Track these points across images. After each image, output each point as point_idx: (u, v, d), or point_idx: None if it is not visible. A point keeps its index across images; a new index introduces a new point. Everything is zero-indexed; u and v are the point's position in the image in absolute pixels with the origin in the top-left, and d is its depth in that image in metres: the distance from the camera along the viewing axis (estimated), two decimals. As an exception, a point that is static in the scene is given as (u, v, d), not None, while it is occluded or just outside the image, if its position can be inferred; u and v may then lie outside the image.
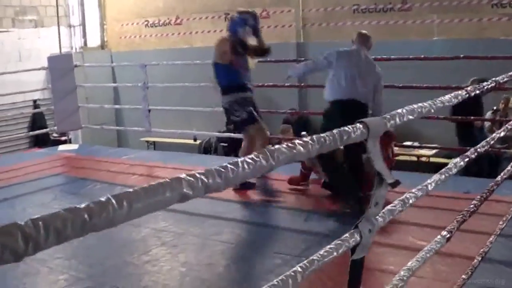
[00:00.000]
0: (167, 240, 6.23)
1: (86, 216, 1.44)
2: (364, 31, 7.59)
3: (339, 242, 2.76)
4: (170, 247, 6.07)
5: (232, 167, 1.86)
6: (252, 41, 7.76)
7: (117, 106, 15.92)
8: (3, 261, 1.30)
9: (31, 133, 15.62)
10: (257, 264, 5.76)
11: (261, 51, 7.97)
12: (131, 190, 1.62)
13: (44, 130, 14.34)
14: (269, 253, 5.83)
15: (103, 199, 1.51)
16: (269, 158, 2.03)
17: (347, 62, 7.01)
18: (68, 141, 14.10)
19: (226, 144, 15.17)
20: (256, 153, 2.04)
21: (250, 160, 1.96)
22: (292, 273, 2.44)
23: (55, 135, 15.49)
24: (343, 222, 6.17)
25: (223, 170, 1.82)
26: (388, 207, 3.20)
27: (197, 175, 1.73)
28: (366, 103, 6.96)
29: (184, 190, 1.69)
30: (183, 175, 1.71)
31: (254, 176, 2.10)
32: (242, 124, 7.78)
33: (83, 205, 1.45)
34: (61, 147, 12.18)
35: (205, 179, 1.75)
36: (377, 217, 2.98)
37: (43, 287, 5.51)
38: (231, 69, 7.57)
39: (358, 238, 2.84)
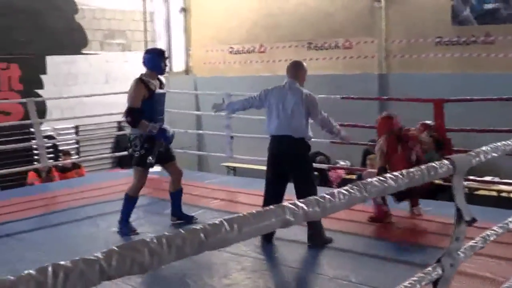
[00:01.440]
0: (247, 265, 6.34)
1: (202, 236, 1.60)
2: (294, 61, 7.51)
3: (422, 275, 2.85)
4: (250, 272, 6.18)
5: (330, 197, 1.99)
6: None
7: (201, 132, 16.12)
8: (132, 273, 1.46)
9: (115, 154, 15.96)
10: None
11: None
12: (241, 214, 1.76)
13: (127, 152, 14.63)
14: (347, 282, 5.88)
15: (217, 221, 1.66)
16: (362, 191, 2.16)
17: (273, 99, 7.00)
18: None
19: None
20: (350, 185, 2.16)
21: (345, 192, 2.08)
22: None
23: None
24: (424, 254, 6.19)
25: (321, 200, 1.95)
26: (470, 243, 3.26)
27: (299, 203, 1.87)
28: (299, 137, 6.87)
29: (287, 216, 1.82)
30: (286, 203, 1.84)
31: (349, 206, 2.22)
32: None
33: (200, 226, 1.60)
34: (145, 169, 12.38)
35: (306, 208, 1.88)
36: (459, 252, 3.05)
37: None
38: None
39: (440, 272, 2.92)
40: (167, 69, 18.95)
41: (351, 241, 6.97)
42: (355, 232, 7.25)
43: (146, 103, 7.24)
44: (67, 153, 14.35)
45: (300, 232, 7.04)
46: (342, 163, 14.85)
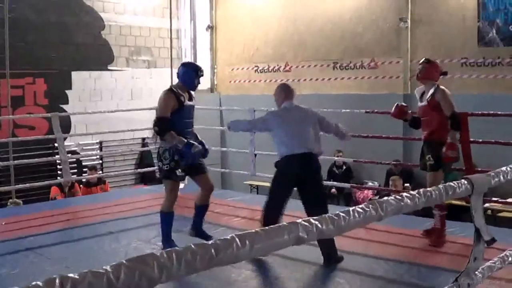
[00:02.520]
0: (267, 283, 6.32)
1: (213, 251, 1.58)
2: (285, 84, 7.63)
3: (440, 294, 2.82)
4: (271, 290, 6.17)
5: (344, 215, 1.97)
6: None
7: (224, 149, 16.13)
8: (140, 287, 1.45)
9: (138, 170, 16.04)
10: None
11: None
12: (253, 231, 1.74)
13: (151, 168, 14.69)
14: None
15: (228, 237, 1.64)
16: (378, 209, 2.14)
17: (285, 120, 7.04)
18: (174, 180, 14.40)
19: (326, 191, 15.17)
20: (366, 203, 2.14)
21: (360, 210, 2.06)
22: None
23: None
24: (444, 276, 6.14)
25: (335, 217, 1.93)
26: (488, 263, 3.23)
27: (312, 221, 1.85)
28: (316, 154, 6.94)
29: (300, 234, 1.80)
30: (299, 220, 1.82)
31: (365, 224, 2.20)
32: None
33: (211, 242, 1.59)
34: (168, 186, 12.40)
35: (319, 225, 1.86)
36: (476, 272, 3.02)
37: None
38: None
39: (458, 292, 2.89)
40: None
41: (367, 262, 6.91)
42: (372, 254, 7.19)
43: (175, 115, 7.13)
44: (93, 168, 14.41)
45: (317, 252, 7.03)
46: (370, 183, 14.80)
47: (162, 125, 7.09)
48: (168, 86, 7.45)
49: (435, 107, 7.38)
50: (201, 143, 7.50)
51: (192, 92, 7.56)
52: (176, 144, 7.09)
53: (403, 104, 8.26)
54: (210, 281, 6.30)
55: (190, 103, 7.43)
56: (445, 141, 7.32)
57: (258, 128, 7.53)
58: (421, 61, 7.78)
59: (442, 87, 7.50)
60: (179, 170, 7.26)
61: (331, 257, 6.74)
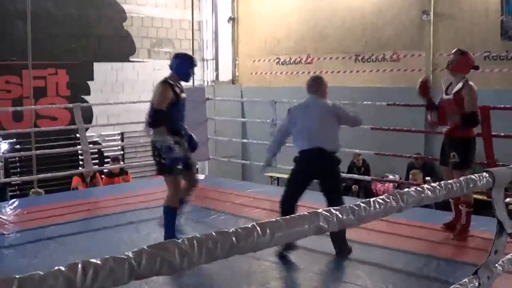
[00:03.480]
0: (287, 275, 6.33)
1: (234, 239, 1.59)
2: (314, 76, 7.49)
3: (458, 286, 2.81)
4: (289, 281, 6.17)
5: (365, 205, 1.97)
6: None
7: (245, 140, 16.13)
8: (161, 273, 1.46)
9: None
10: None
11: None
12: (274, 220, 1.75)
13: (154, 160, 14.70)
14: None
15: (249, 226, 1.65)
16: (399, 200, 2.13)
17: (300, 114, 6.99)
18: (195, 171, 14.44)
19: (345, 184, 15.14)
20: (387, 194, 2.15)
21: (381, 201, 2.06)
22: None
23: (182, 164, 15.85)
24: (463, 269, 6.12)
25: (356, 208, 1.93)
26: (508, 256, 3.22)
27: (333, 210, 1.85)
28: (330, 149, 6.82)
29: (321, 223, 1.80)
30: (320, 210, 1.83)
31: (386, 215, 2.20)
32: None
33: (232, 230, 1.59)
34: (188, 177, 12.43)
35: (340, 215, 1.86)
36: (496, 265, 3.01)
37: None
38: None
39: (477, 284, 2.88)
40: (213, 78, 19.12)
41: (387, 255, 6.88)
42: (391, 247, 7.17)
43: (172, 108, 6.94)
44: (115, 159, 14.48)
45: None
46: (391, 177, 14.75)
47: (158, 117, 6.86)
48: (162, 78, 7.24)
49: (461, 102, 7.22)
50: (190, 136, 7.40)
51: (182, 84, 7.28)
52: (162, 141, 6.83)
53: (426, 79, 8.07)
54: (228, 271, 6.33)
55: (184, 95, 7.21)
56: (468, 138, 7.25)
57: (285, 131, 7.30)
58: (454, 51, 7.59)
59: (470, 82, 7.31)
60: (180, 164, 7.03)
61: (342, 249, 6.75)
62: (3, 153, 14.03)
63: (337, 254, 6.75)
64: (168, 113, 6.86)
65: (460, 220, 7.53)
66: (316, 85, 7.13)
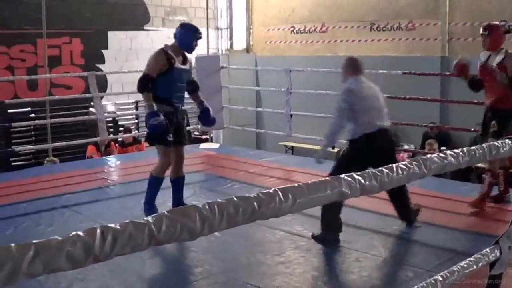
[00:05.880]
0: (302, 244, 6.32)
1: (255, 204, 1.56)
2: (355, 58, 6.96)
3: (479, 256, 2.78)
4: (304, 251, 6.16)
5: (387, 171, 1.94)
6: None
7: (259, 109, 16.07)
8: (181, 239, 1.43)
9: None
10: (389, 275, 5.79)
11: None
12: (296, 185, 1.71)
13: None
14: (402, 265, 5.84)
15: (271, 191, 1.62)
16: (421, 166, 2.10)
17: (366, 94, 6.59)
18: (210, 140, 14.44)
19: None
20: (410, 160, 2.11)
21: (404, 166, 2.03)
22: (433, 281, 2.49)
23: (196, 133, 15.86)
24: (481, 241, 6.09)
25: (379, 174, 1.90)
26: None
27: (356, 176, 1.82)
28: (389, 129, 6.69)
29: (343, 189, 1.77)
30: (342, 175, 1.79)
31: (408, 181, 2.16)
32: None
33: (253, 195, 1.56)
34: (203, 145, 12.46)
35: (363, 181, 1.83)
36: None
37: (177, 279, 5.72)
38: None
39: (498, 254, 2.85)
40: (228, 46, 19.05)
41: (402, 225, 6.83)
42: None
43: (163, 77, 6.83)
44: (127, 130, 14.49)
45: (355, 214, 7.00)
46: (406, 146, 14.70)
47: (144, 82, 6.78)
48: (161, 46, 7.07)
49: (505, 71, 7.11)
50: (205, 109, 7.39)
51: (189, 56, 7.23)
52: (148, 107, 6.77)
53: (465, 60, 7.76)
54: (242, 240, 6.34)
55: (183, 66, 7.08)
56: (510, 109, 7.16)
57: (347, 117, 6.52)
58: (481, 32, 7.34)
59: (511, 51, 7.22)
60: (170, 135, 6.96)
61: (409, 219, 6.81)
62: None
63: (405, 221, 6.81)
64: (156, 80, 6.78)
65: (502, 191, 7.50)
66: (360, 65, 6.77)
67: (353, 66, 6.74)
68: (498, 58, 7.18)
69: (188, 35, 7.07)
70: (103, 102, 14.52)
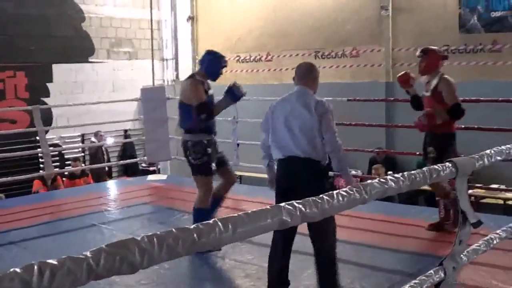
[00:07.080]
0: (251, 273, 6.30)
1: (195, 235, 1.56)
2: (305, 63, 5.99)
3: (424, 277, 2.82)
4: (254, 280, 6.13)
5: (328, 198, 1.96)
6: None
7: (206, 139, 16.06)
8: (121, 272, 1.42)
9: (121, 162, 16.01)
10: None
11: None
12: (236, 215, 1.72)
13: (134, 160, 14.67)
14: (352, 289, 5.86)
15: (211, 221, 1.62)
16: (362, 192, 2.12)
17: (279, 113, 5.59)
18: (157, 171, 14.39)
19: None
20: (350, 186, 2.13)
21: (344, 193, 2.05)
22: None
23: (143, 165, 15.81)
24: (430, 263, 6.14)
25: (319, 201, 1.91)
26: (473, 246, 3.24)
27: (296, 204, 1.83)
28: (310, 158, 5.35)
29: (284, 217, 1.78)
30: (283, 204, 1.80)
31: (349, 207, 2.18)
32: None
33: (193, 226, 1.57)
34: (150, 177, 12.40)
35: (303, 208, 1.84)
36: (461, 255, 3.02)
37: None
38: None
39: (443, 275, 2.89)
40: (174, 77, 19.04)
41: (352, 249, 6.84)
42: (356, 241, 7.14)
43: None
44: (76, 160, 14.37)
45: (305, 241, 7.01)
46: (353, 172, 14.78)
47: (206, 108, 6.73)
48: (189, 74, 7.16)
49: (440, 98, 7.09)
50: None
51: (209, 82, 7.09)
52: (229, 103, 7.01)
53: (409, 72, 7.69)
54: (190, 270, 6.30)
55: (211, 92, 7.04)
56: (449, 134, 7.20)
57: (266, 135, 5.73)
58: (418, 54, 7.35)
59: (446, 76, 7.15)
60: (213, 164, 6.89)
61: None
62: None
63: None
64: (192, 110, 6.74)
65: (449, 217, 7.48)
66: (306, 74, 5.79)
67: (295, 73, 5.80)
68: (433, 83, 7.20)
69: (216, 63, 7.05)
70: (49, 135, 14.37)
